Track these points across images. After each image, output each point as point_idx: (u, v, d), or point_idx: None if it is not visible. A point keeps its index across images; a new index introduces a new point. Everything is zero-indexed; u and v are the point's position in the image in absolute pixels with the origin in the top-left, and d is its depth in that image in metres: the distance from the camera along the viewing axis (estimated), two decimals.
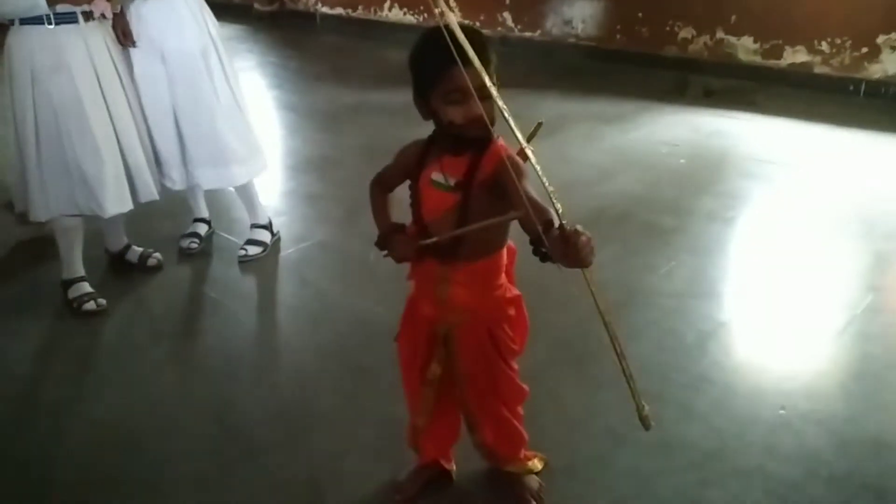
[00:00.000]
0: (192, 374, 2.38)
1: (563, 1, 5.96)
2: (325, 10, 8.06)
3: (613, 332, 1.15)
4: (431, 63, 1.39)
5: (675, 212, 3.34)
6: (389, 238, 1.50)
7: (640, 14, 5.54)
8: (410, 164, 1.50)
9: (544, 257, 1.22)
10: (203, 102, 2.79)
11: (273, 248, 3.15)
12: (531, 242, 1.24)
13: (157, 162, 2.84)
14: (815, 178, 3.61)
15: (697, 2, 5.19)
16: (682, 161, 3.93)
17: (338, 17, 7.95)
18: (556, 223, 1.15)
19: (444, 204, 1.44)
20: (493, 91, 1.22)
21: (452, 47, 1.22)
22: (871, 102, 4.58)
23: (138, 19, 2.70)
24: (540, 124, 1.49)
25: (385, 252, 1.53)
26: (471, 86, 1.29)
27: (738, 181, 3.68)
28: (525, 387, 1.69)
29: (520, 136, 1.22)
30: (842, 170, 3.68)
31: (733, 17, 5.09)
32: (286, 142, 4.70)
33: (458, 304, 1.53)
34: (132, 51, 2.72)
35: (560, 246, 1.12)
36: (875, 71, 4.60)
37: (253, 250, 3.09)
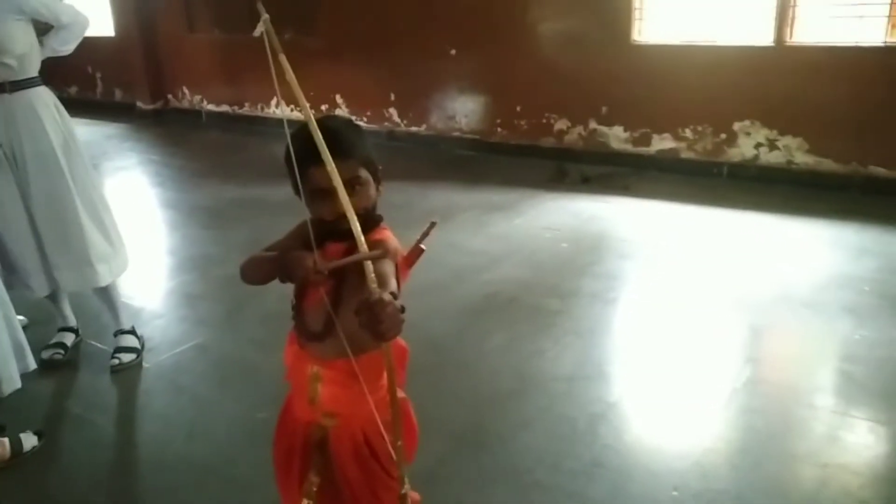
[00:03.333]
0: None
1: (446, 97, 6.17)
2: (211, 107, 8.01)
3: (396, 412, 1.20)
4: (291, 163, 1.37)
5: (560, 295, 3.39)
6: (288, 257, 1.35)
7: (518, 108, 5.80)
8: (304, 243, 1.41)
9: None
10: (63, 202, 2.62)
11: (146, 355, 2.95)
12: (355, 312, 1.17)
13: (12, 269, 2.61)
14: (688, 256, 3.78)
15: (571, 95, 5.50)
16: (564, 245, 4.04)
17: (223, 114, 7.90)
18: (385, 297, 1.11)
19: (321, 291, 1.39)
20: (351, 187, 1.21)
21: (320, 144, 1.21)
22: (733, 183, 4.91)
23: None
24: (433, 224, 1.48)
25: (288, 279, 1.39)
26: (339, 182, 1.27)
27: (616, 262, 3.80)
28: (415, 494, 1.58)
29: (362, 241, 1.23)
30: (712, 247, 3.88)
31: (604, 109, 5.41)
32: (166, 240, 4.52)
33: (330, 405, 1.44)
34: None
35: (363, 313, 1.08)
36: (734, 154, 4.96)
37: (127, 357, 2.88)
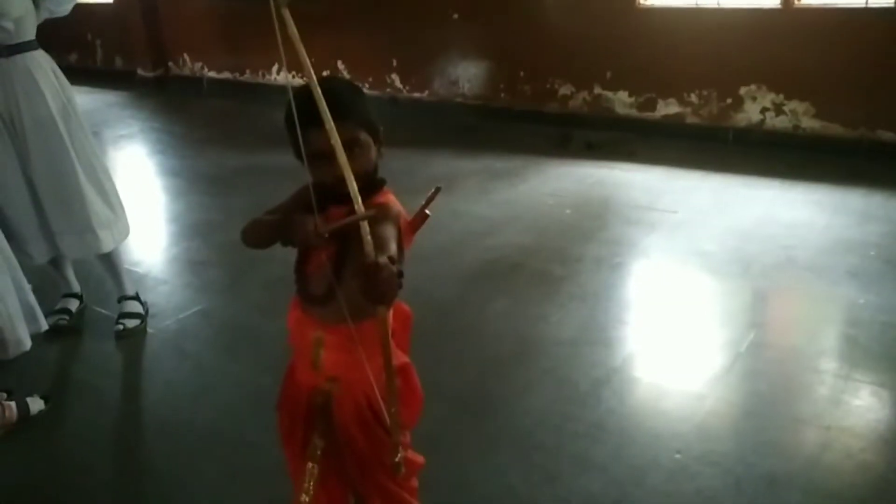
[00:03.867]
0: (53, 467, 2.15)
1: (449, 62, 6.09)
2: (212, 74, 7.93)
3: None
4: (292, 126, 1.36)
5: (564, 260, 3.38)
6: (289, 220, 1.33)
7: (521, 73, 5.73)
8: (306, 207, 1.39)
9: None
10: (63, 168, 2.61)
11: (150, 321, 2.96)
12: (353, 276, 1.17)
13: (11, 236, 2.60)
14: (694, 222, 3.75)
15: (575, 60, 5.42)
16: (567, 211, 4.02)
17: (225, 82, 7.83)
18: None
19: (323, 255, 1.38)
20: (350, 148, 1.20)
21: (320, 103, 1.20)
22: (739, 149, 4.85)
23: None
24: (438, 189, 1.46)
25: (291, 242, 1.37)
26: (338, 143, 1.25)
27: (621, 228, 3.78)
28: (419, 457, 1.59)
29: (359, 202, 1.21)
30: (717, 213, 3.85)
31: (609, 74, 5.33)
32: (169, 207, 4.51)
33: (332, 370, 1.43)
34: None
35: (360, 278, 1.09)
36: (740, 119, 4.91)
37: (131, 323, 2.89)
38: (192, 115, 7.12)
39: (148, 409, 2.50)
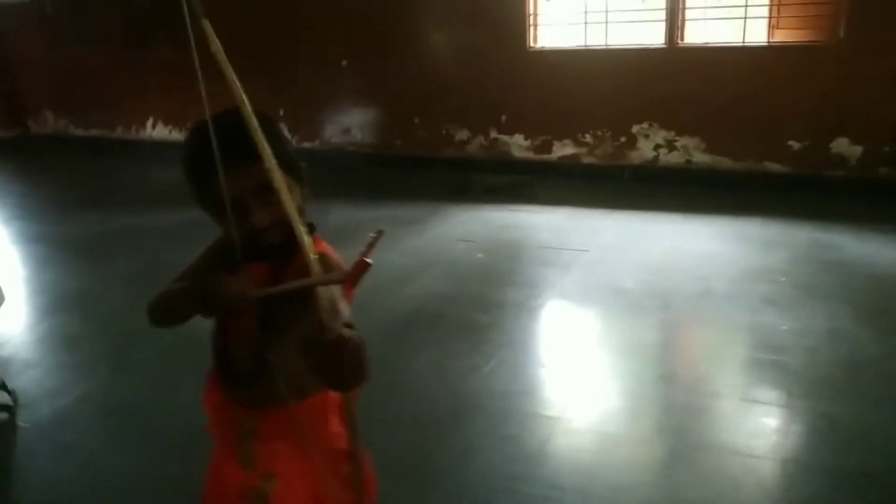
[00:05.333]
0: None
1: (339, 110, 5.91)
2: (79, 132, 7.36)
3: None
4: (195, 172, 1.13)
5: (485, 307, 3.22)
6: (207, 284, 1.09)
7: (416, 119, 5.64)
8: (221, 267, 1.14)
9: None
10: None
11: (20, 412, 2.52)
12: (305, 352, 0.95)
13: None
14: (606, 259, 3.71)
15: (469, 105, 5.39)
16: (480, 256, 3.89)
17: (94, 140, 7.27)
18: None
19: (245, 319, 1.13)
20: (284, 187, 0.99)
21: (259, 137, 1.00)
22: (636, 186, 4.94)
23: None
24: (381, 232, 1.25)
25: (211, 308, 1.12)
26: (280, 180, 1.04)
27: (536, 269, 3.68)
28: None
29: (311, 256, 1.00)
30: (627, 249, 3.83)
31: (504, 117, 5.33)
32: (34, 278, 4.00)
33: (268, 465, 1.17)
34: None
35: (317, 356, 0.87)
36: (635, 157, 5.00)
37: None
38: (58, 177, 6.53)
39: None
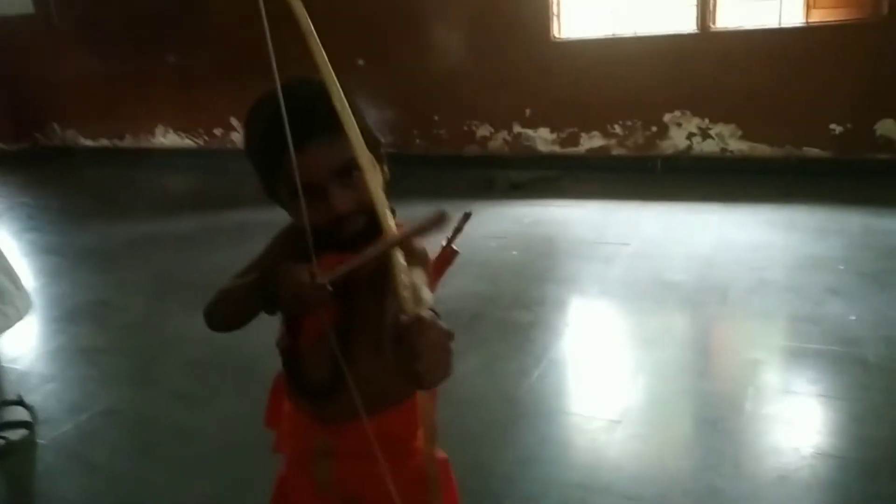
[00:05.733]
0: None
1: None
2: (88, 143, 7.22)
3: None
4: (262, 150, 0.95)
5: (526, 305, 3.04)
6: (274, 274, 0.93)
7: (436, 117, 5.46)
8: (292, 258, 0.97)
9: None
10: None
11: (41, 429, 2.35)
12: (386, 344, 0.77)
13: None
14: (650, 252, 3.52)
15: (491, 100, 5.21)
16: (514, 253, 3.70)
17: (102, 150, 7.13)
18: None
19: (323, 319, 0.95)
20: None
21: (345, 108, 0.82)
22: (669, 176, 4.74)
23: None
24: (468, 215, 1.08)
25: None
26: (365, 156, 0.87)
27: (575, 265, 3.49)
28: None
29: (390, 223, 0.85)
30: (671, 241, 3.64)
31: (528, 111, 5.15)
32: (49, 290, 3.83)
33: (349, 488, 0.99)
34: None
35: (396, 344, 0.68)
36: (667, 147, 4.81)
37: (15, 435, 2.29)
38: (69, 188, 6.39)
39: None
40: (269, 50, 0.85)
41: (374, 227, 1.00)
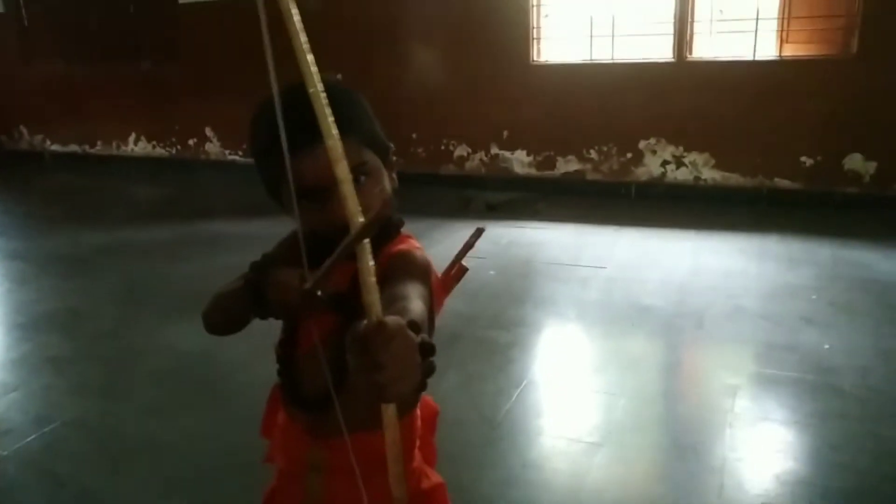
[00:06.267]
0: None
1: None
2: (56, 147, 7.07)
3: None
4: (267, 150, 0.93)
5: (505, 325, 3.03)
6: (262, 278, 0.90)
7: (414, 135, 5.46)
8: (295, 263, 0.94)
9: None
10: None
11: (2, 440, 2.26)
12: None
13: None
14: (626, 277, 3.54)
15: (470, 120, 5.23)
16: (491, 273, 3.69)
17: (71, 155, 6.99)
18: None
19: (322, 327, 0.92)
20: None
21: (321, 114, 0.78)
22: (643, 202, 4.79)
23: None
24: (480, 230, 1.07)
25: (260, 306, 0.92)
26: (339, 173, 0.85)
27: (552, 286, 3.50)
28: None
29: (352, 193, 0.77)
30: (646, 266, 3.67)
31: (505, 133, 5.18)
32: (14, 296, 3.72)
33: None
34: None
35: (353, 352, 0.62)
36: (642, 173, 4.87)
37: None
38: (34, 193, 6.25)
39: None
40: (267, 52, 0.82)
41: (380, 234, 0.98)
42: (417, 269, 0.96)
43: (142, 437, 2.30)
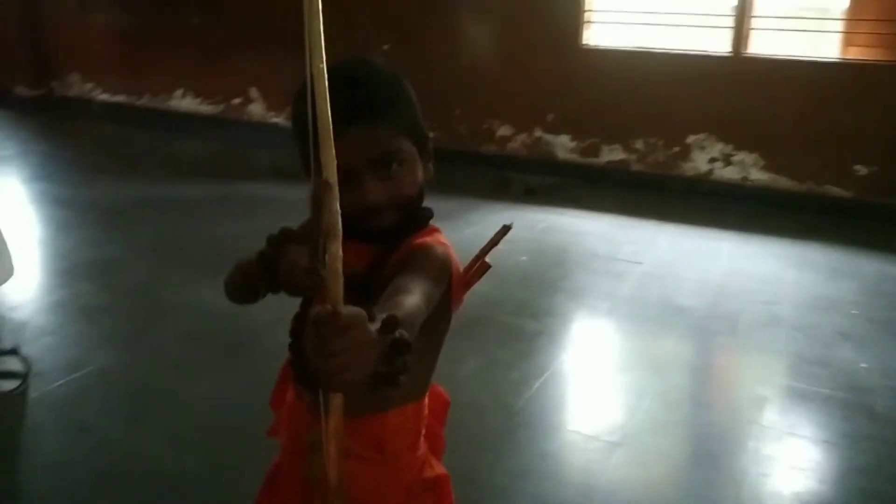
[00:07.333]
0: None
1: None
2: (105, 97, 7.16)
3: None
4: (305, 125, 0.91)
5: (533, 313, 3.00)
6: (271, 251, 0.85)
7: (457, 111, 5.40)
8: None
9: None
10: None
11: (33, 381, 2.32)
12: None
13: None
14: (662, 274, 3.48)
15: (514, 100, 5.16)
16: (524, 258, 3.65)
17: (118, 106, 7.07)
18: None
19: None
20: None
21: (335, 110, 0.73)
22: (687, 199, 4.67)
23: None
24: (507, 227, 1.05)
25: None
26: (364, 157, 0.83)
27: (586, 278, 3.46)
28: None
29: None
30: (683, 265, 3.59)
31: (550, 116, 5.09)
32: (55, 242, 3.80)
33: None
34: None
35: (307, 337, 0.62)
36: (688, 169, 4.76)
37: (7, 385, 2.28)
38: (82, 140, 6.34)
39: (32, 501, 1.87)
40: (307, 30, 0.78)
41: (406, 224, 0.97)
42: (431, 265, 0.94)
43: (165, 392, 2.34)
